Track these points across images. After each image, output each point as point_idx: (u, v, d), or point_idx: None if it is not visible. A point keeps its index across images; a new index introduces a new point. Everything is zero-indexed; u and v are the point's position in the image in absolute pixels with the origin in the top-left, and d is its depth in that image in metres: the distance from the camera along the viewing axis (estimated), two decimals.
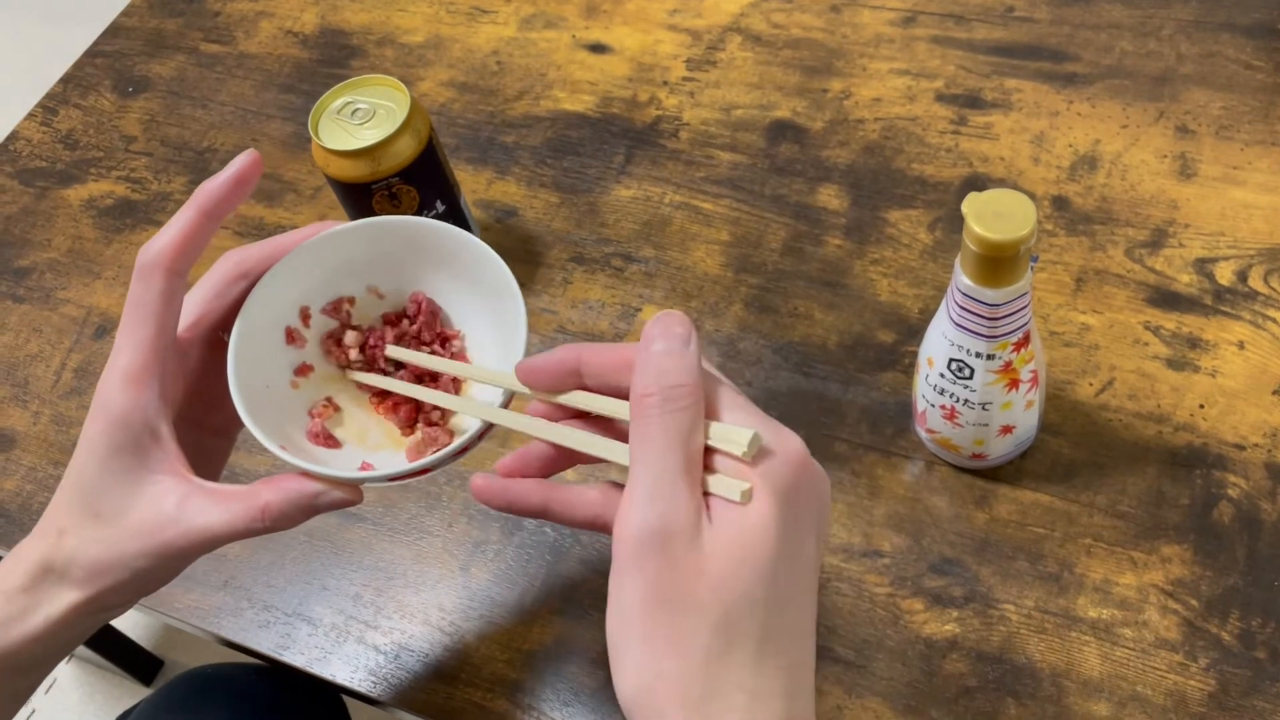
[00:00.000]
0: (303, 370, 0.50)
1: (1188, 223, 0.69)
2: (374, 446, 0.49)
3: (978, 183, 0.74)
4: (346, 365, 0.51)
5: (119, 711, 0.74)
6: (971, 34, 0.82)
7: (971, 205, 0.48)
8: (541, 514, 0.41)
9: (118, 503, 0.42)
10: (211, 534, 0.42)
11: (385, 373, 0.51)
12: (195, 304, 0.47)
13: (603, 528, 0.40)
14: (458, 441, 0.44)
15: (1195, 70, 0.77)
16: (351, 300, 0.51)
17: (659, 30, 0.88)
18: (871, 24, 0.84)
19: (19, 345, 0.78)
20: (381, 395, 0.50)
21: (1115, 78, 0.78)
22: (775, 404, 0.66)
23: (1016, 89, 0.78)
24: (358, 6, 0.94)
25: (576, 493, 0.41)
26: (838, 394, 0.66)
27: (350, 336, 0.50)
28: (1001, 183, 0.74)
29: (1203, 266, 0.67)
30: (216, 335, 0.47)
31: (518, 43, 0.89)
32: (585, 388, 0.41)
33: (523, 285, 0.74)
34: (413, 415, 0.50)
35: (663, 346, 0.36)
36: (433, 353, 0.50)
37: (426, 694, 0.59)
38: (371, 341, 0.51)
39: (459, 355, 0.50)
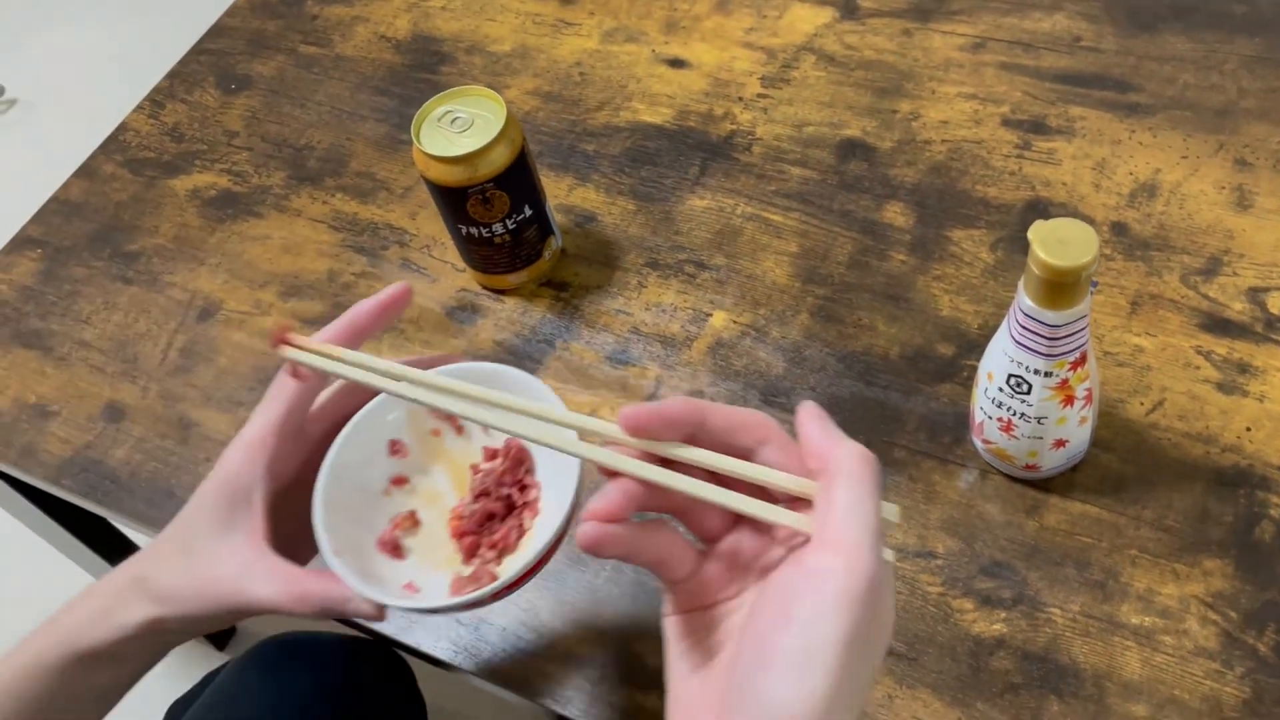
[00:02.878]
0: (399, 481, 0.55)
1: (1242, 253, 0.72)
2: (435, 565, 0.53)
3: (1039, 206, 0.77)
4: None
5: (193, 671, 0.79)
6: (1039, 61, 0.85)
7: (1037, 232, 0.52)
8: (631, 558, 0.41)
9: (203, 549, 0.49)
10: (257, 604, 0.48)
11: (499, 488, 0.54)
12: (329, 396, 0.54)
13: (660, 571, 0.42)
14: (493, 586, 0.48)
15: (1256, 105, 0.79)
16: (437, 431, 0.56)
17: (735, 48, 0.92)
18: (942, 48, 0.88)
19: (128, 324, 0.84)
20: (459, 520, 0.54)
21: (1177, 109, 0.80)
22: (838, 411, 0.70)
23: (1080, 116, 0.81)
24: (448, 15, 0.99)
25: (667, 538, 0.42)
26: (898, 403, 0.69)
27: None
28: (1063, 207, 0.77)
29: (1255, 295, 0.70)
30: (337, 428, 0.53)
31: (600, 55, 0.93)
32: (692, 441, 0.42)
33: (599, 288, 0.79)
34: (474, 548, 0.53)
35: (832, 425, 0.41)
36: (507, 497, 0.54)
37: (503, 664, 0.63)
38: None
39: (530, 505, 0.54)
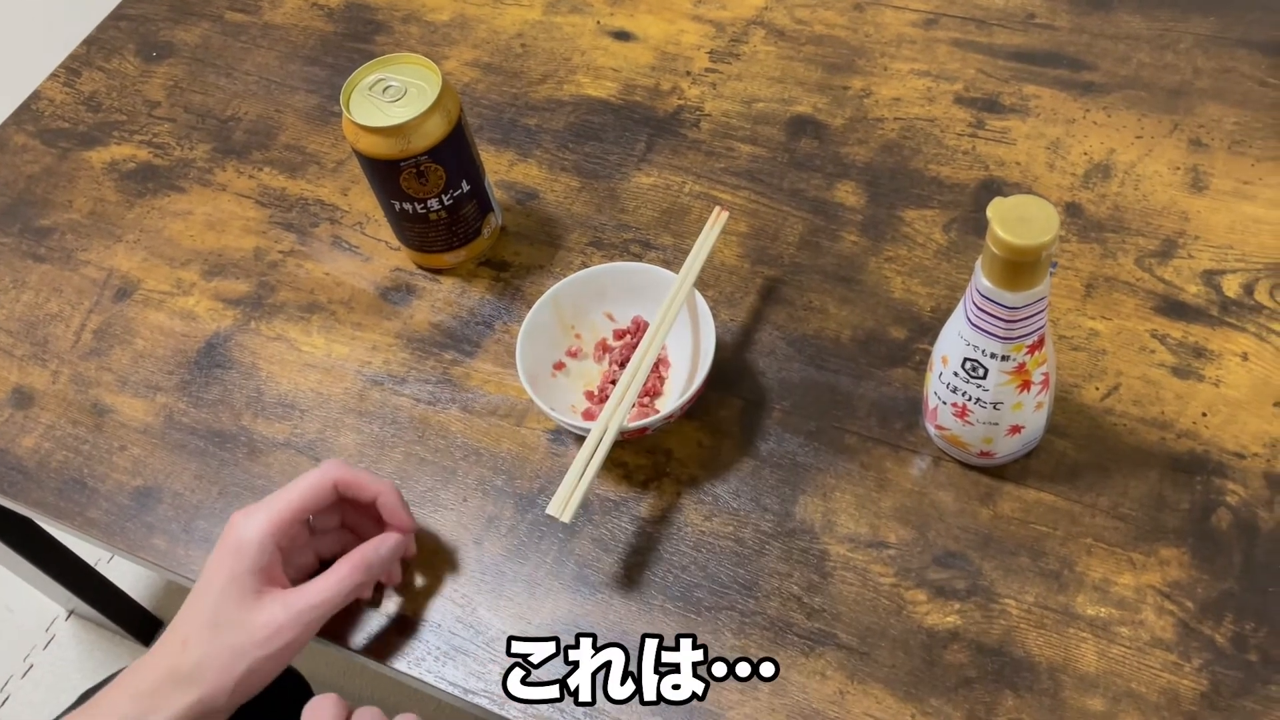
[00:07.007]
0: (573, 353, 0.70)
1: (1197, 234, 0.71)
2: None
3: (993, 186, 0.75)
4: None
5: (115, 667, 0.75)
6: (992, 38, 0.83)
7: (996, 210, 0.49)
8: None
9: (238, 615, 0.55)
10: (313, 610, 0.56)
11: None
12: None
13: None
14: (663, 414, 0.62)
15: (1211, 85, 0.78)
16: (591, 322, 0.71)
17: (683, 20, 0.88)
18: (894, 24, 0.85)
19: (39, 304, 0.79)
20: (613, 384, 0.67)
21: (1132, 88, 0.79)
22: (788, 395, 0.67)
23: (1034, 95, 0.79)
24: None
25: None
26: (849, 388, 0.67)
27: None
28: (1017, 187, 0.75)
29: (1210, 278, 0.69)
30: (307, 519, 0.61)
31: (543, 26, 0.90)
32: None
33: (541, 268, 0.75)
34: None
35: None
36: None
37: (434, 661, 0.60)
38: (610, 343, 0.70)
39: (662, 360, 0.69)
